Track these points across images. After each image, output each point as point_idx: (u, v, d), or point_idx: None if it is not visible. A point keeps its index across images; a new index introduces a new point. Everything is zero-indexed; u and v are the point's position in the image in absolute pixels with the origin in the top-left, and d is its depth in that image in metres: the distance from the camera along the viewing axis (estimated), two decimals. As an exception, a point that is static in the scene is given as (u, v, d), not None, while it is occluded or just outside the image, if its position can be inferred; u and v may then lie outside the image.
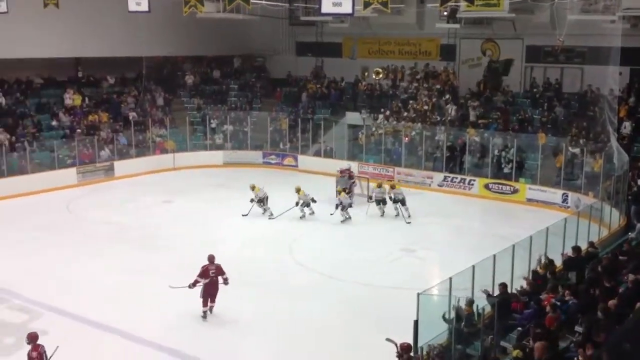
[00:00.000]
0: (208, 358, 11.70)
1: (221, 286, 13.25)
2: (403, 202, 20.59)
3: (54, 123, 26.70)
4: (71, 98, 28.13)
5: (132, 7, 18.26)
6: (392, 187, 21.42)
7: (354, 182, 23.01)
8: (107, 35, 28.19)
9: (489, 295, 11.16)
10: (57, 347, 9.90)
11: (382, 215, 20.82)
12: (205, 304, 13.07)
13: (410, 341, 9.69)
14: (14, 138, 24.36)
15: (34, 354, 9.72)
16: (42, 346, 9.81)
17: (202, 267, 13.07)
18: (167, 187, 24.63)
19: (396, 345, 9.52)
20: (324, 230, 19.76)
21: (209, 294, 13.02)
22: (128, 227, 19.14)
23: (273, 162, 29.04)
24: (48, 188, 23.34)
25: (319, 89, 31.28)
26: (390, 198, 20.80)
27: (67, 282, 15.06)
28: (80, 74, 30.17)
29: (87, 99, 28.75)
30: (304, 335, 12.71)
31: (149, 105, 30.10)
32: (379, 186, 21.11)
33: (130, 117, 28.49)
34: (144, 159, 27.54)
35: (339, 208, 20.34)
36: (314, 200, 20.62)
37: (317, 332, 12.80)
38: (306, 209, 20.64)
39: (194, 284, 12.93)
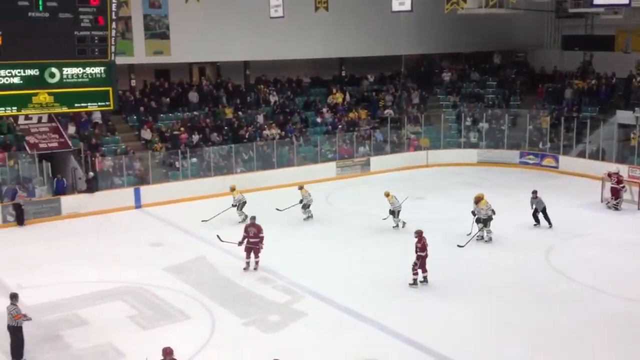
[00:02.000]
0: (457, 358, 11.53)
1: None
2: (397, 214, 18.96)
3: (318, 119, 28.60)
4: (334, 96, 29.87)
5: (395, 7, 18.68)
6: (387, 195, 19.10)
7: (623, 187, 20.90)
8: (369, 35, 29.46)
9: None
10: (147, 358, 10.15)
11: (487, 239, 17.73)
12: (416, 273, 14.55)
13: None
14: (283, 133, 26.61)
15: None
16: None
17: (421, 243, 14.51)
18: (420, 183, 24.85)
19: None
20: (590, 236, 18.20)
21: (424, 263, 14.59)
22: (382, 221, 19.62)
23: (531, 162, 27.63)
24: (310, 180, 24.94)
25: (587, 85, 29.04)
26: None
27: (324, 268, 15.98)
28: (343, 73, 31.92)
29: (348, 97, 30.29)
30: (555, 351, 11.83)
31: (405, 102, 30.68)
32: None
33: (387, 114, 29.32)
34: (398, 156, 28.18)
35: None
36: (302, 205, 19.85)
37: (571, 349, 11.85)
38: (307, 211, 19.91)
39: (419, 260, 14.49)
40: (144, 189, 22.43)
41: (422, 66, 33.61)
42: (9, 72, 11.12)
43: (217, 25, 26.06)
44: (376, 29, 29.20)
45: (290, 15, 21.59)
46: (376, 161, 27.41)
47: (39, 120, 22.18)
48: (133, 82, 26.60)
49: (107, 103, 12.30)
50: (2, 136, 22.22)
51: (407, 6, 18.43)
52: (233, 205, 20.05)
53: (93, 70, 11.82)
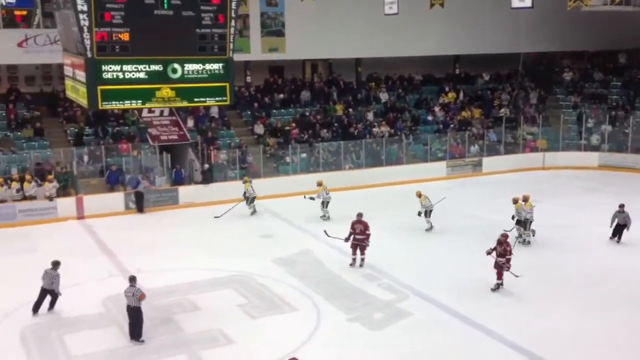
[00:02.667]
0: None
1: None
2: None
3: (429, 118, 28.19)
4: (446, 94, 29.33)
5: (516, 3, 18.02)
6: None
7: None
8: (486, 32, 28.73)
9: None
10: None
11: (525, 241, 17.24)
12: (500, 277, 14.25)
13: None
14: (393, 130, 26.45)
15: None
16: None
17: (509, 247, 14.29)
18: (535, 186, 23.74)
19: None
20: None
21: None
22: (497, 224, 18.96)
23: (657, 167, 25.92)
24: (419, 179, 24.63)
25: None
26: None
27: (430, 268, 15.75)
28: (457, 71, 31.27)
29: (461, 95, 29.64)
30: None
31: (523, 102, 29.61)
32: None
33: (502, 114, 28.43)
34: (513, 157, 27.30)
35: None
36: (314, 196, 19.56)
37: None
38: (325, 210, 19.16)
39: (508, 263, 14.14)
40: (255, 182, 23.02)
41: (541, 65, 32.30)
42: (135, 67, 11.67)
43: (331, 23, 26.33)
44: (493, 26, 28.41)
45: (405, 12, 21.38)
46: (488, 162, 26.67)
47: (161, 113, 23.34)
48: (248, 79, 27.40)
49: (224, 98, 12.67)
50: (127, 128, 23.60)
51: (528, 2, 17.75)
52: (245, 197, 20.76)
53: (212, 66, 12.20)
